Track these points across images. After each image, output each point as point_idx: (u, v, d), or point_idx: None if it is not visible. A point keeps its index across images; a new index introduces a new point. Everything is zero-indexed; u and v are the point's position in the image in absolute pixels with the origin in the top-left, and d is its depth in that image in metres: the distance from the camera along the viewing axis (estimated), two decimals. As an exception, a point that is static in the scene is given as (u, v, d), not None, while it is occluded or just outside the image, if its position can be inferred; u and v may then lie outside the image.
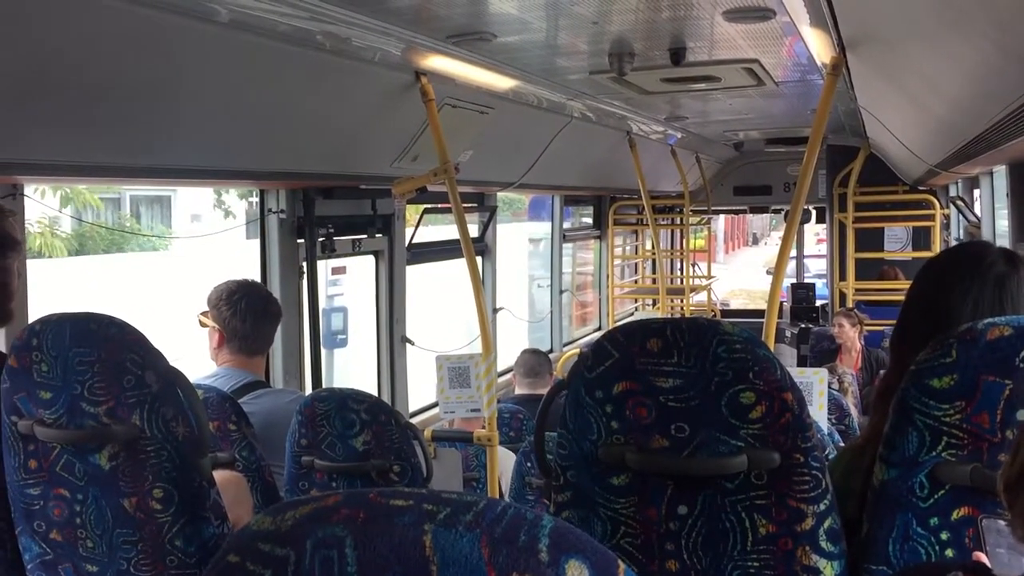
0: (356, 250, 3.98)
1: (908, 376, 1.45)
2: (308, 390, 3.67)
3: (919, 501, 1.45)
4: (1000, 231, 4.89)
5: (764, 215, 13.77)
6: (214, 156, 2.92)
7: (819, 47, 3.24)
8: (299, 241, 3.64)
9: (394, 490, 0.63)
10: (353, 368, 4.61)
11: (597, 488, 1.59)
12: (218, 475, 2.01)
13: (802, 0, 2.53)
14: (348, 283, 4.43)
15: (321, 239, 3.65)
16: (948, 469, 1.43)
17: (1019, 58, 1.72)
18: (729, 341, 1.50)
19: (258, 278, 3.60)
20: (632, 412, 1.55)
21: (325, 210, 3.65)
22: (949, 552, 1.45)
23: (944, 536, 1.45)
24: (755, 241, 27.70)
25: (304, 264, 3.66)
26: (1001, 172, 4.49)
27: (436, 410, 4.17)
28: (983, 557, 0.99)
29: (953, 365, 1.41)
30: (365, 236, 3.98)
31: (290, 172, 3.36)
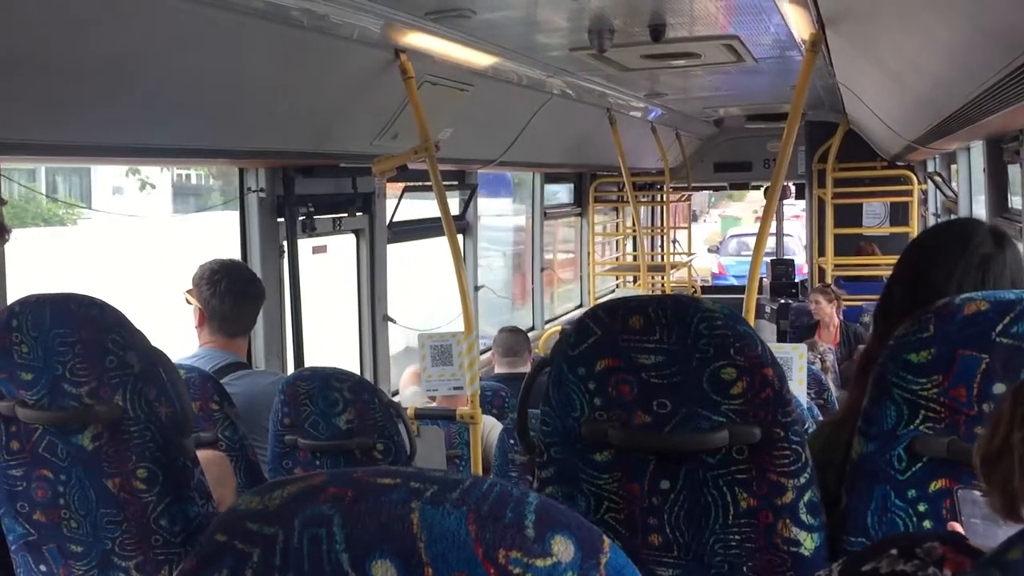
0: (337, 229, 3.96)
1: (887, 351, 1.47)
2: (291, 370, 3.66)
3: (897, 474, 1.48)
4: (976, 205, 4.94)
5: (703, 192, 14.30)
6: (193, 135, 2.90)
7: (798, 23, 3.24)
8: (279, 220, 3.62)
9: (380, 468, 0.64)
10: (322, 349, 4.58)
11: (580, 464, 1.61)
12: (201, 455, 2.01)
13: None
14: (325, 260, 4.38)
15: (301, 218, 3.63)
16: (925, 442, 1.45)
17: (995, 36, 1.73)
18: (711, 318, 1.51)
19: (237, 256, 3.58)
20: (615, 389, 1.56)
21: (305, 188, 3.63)
22: (927, 523, 1.47)
23: (922, 508, 1.47)
24: (695, 219, 28.19)
25: (284, 243, 3.64)
26: (978, 148, 4.53)
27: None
28: (958, 527, 1.01)
29: (931, 340, 1.43)
30: (346, 215, 3.96)
31: (269, 151, 3.34)
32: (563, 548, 0.59)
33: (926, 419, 1.45)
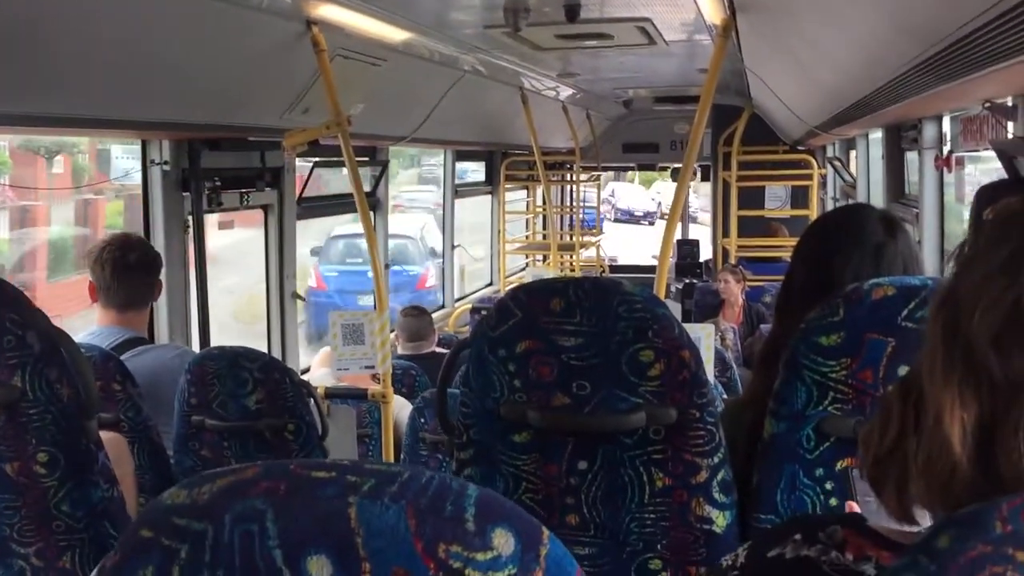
0: (244, 204, 3.87)
1: (798, 334, 1.51)
2: (195, 348, 3.57)
3: (806, 453, 1.52)
4: (873, 190, 5.12)
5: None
6: (93, 104, 2.77)
7: (710, 8, 3.29)
8: (184, 194, 3.51)
9: (315, 461, 0.62)
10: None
11: (499, 445, 1.61)
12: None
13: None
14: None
15: (207, 192, 3.53)
16: (833, 422, 1.50)
17: (908, 28, 1.79)
18: (630, 301, 1.53)
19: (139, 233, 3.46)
20: (534, 370, 1.57)
21: (212, 162, 3.52)
22: (833, 501, 1.52)
23: (828, 486, 1.52)
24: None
25: (190, 218, 3.53)
26: (877, 134, 4.69)
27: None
28: (855, 506, 1.04)
29: (840, 323, 1.47)
30: (254, 189, 3.86)
31: (175, 122, 3.23)
32: (503, 541, 0.59)
33: (834, 400, 1.50)
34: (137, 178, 3.55)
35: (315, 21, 3.20)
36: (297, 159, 4.23)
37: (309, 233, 8.40)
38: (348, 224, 8.56)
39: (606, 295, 1.53)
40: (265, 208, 4.13)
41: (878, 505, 0.78)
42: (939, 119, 3.48)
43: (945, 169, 3.34)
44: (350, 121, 3.47)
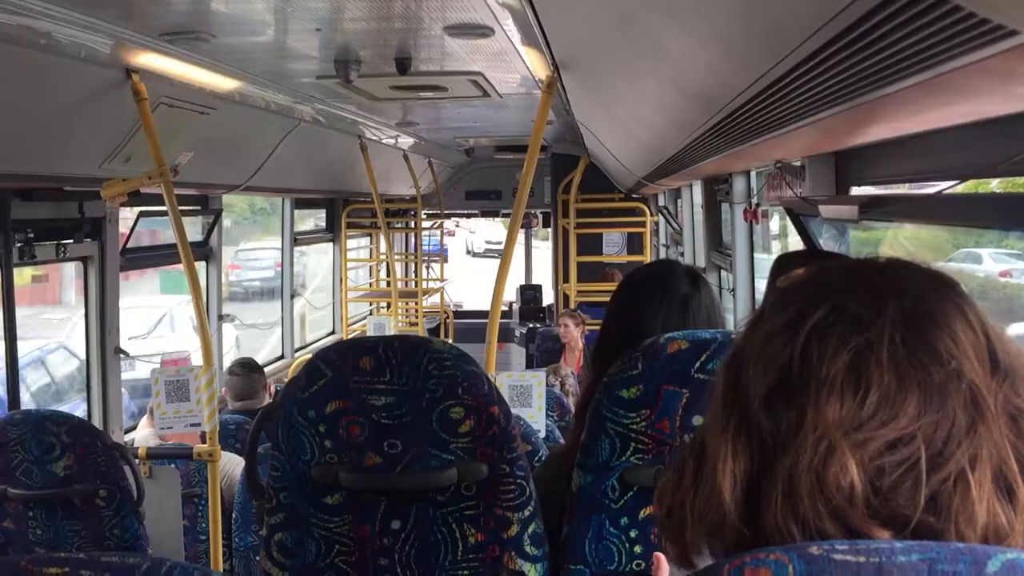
0: (61, 256, 3.68)
1: (601, 388, 1.57)
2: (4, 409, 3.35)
3: (611, 503, 1.57)
4: (698, 238, 5.38)
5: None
6: None
7: (535, 65, 3.40)
8: (-8, 248, 3.31)
9: (50, 556, 0.60)
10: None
11: (311, 508, 1.59)
12: None
13: (517, 21, 2.65)
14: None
15: (19, 245, 3.34)
16: (635, 472, 1.56)
17: (693, 98, 1.91)
18: (440, 358, 1.55)
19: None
20: (345, 431, 1.56)
21: (23, 213, 3.35)
22: (638, 548, 1.58)
23: (633, 534, 1.58)
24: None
25: (-2, 272, 3.33)
26: (698, 186, 4.93)
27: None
28: (662, 557, 1.09)
29: (639, 376, 1.54)
30: (71, 241, 3.69)
31: (-22, 173, 3.05)
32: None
33: (636, 451, 1.55)
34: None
35: (135, 70, 3.11)
36: (122, 208, 4.07)
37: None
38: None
39: (415, 353, 1.55)
40: (85, 260, 3.94)
41: None
42: (747, 174, 3.70)
43: (753, 220, 3.55)
44: (176, 170, 3.38)
